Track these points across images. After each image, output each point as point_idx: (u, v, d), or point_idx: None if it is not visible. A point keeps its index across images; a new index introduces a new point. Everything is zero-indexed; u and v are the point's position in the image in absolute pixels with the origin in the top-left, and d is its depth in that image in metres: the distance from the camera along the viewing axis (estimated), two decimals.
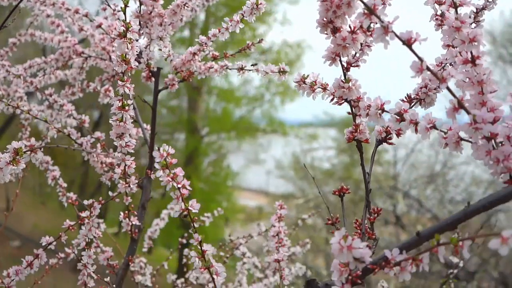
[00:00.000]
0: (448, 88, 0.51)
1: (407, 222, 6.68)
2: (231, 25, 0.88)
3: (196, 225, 0.64)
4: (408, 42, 0.51)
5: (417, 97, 0.68)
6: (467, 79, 0.54)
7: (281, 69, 0.83)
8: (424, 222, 6.30)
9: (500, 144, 0.51)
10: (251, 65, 0.95)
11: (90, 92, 1.23)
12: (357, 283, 0.55)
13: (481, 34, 0.53)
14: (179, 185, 0.62)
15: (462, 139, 0.54)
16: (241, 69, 0.95)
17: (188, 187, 0.62)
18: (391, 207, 6.20)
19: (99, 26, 1.05)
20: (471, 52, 0.53)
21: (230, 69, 0.97)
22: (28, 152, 0.66)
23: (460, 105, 0.51)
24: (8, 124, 6.73)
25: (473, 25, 0.72)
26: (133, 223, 0.97)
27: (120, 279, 0.97)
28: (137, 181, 0.90)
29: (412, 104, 0.69)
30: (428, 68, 0.50)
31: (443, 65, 0.69)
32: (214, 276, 0.64)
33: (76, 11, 1.09)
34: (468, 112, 0.51)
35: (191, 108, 11.26)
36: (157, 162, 0.61)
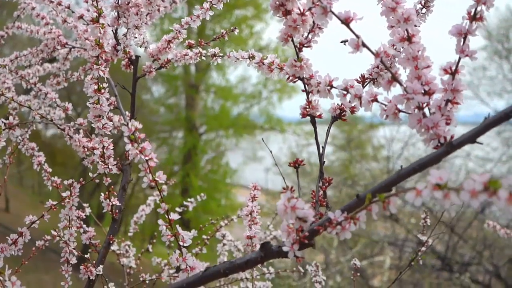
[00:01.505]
0: (383, 63, 0.56)
1: (402, 216, 6.74)
2: (201, 12, 0.94)
3: (163, 194, 0.69)
4: (346, 21, 0.56)
5: (370, 76, 0.73)
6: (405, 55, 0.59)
7: (251, 55, 0.88)
8: (419, 216, 6.35)
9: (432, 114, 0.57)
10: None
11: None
12: (305, 243, 0.60)
13: (415, 14, 0.58)
14: (147, 158, 0.67)
15: (400, 110, 0.59)
16: (214, 55, 1.00)
17: (156, 160, 0.67)
18: None
19: (81, 17, 1.10)
20: (407, 30, 0.58)
21: (204, 56, 1.02)
22: (7, 130, 0.71)
23: (394, 78, 0.56)
24: None
25: (424, 10, 0.77)
26: (114, 203, 1.02)
27: (102, 256, 1.02)
28: (115, 163, 0.95)
29: (366, 83, 0.74)
30: (363, 44, 0.55)
31: (394, 46, 0.74)
32: (181, 243, 0.69)
33: (59, 3, 1.13)
34: (401, 84, 0.56)
35: (189, 106, 11.30)
36: (126, 136, 0.66)
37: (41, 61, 1.24)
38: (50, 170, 1.17)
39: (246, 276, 1.22)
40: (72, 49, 1.24)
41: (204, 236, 1.35)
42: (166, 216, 0.69)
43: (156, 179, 0.68)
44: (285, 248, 0.60)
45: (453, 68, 0.57)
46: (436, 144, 0.55)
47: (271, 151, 0.90)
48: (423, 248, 1.08)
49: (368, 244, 6.31)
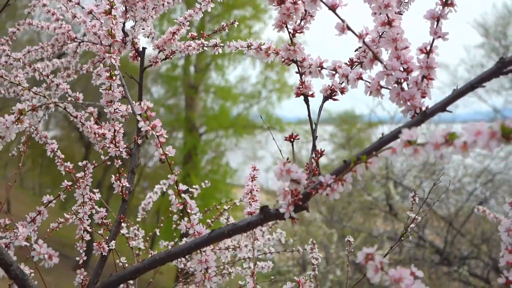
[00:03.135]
0: (365, 44, 0.64)
1: (401, 211, 6.82)
2: (204, 5, 1.02)
3: (172, 167, 0.77)
4: (333, 7, 0.63)
5: (358, 60, 0.81)
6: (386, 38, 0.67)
7: (249, 44, 0.95)
8: (416, 210, 6.43)
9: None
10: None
11: (90, 93, 1.36)
12: (299, 205, 0.67)
13: (394, 1, 0.65)
14: (158, 134, 0.74)
15: (381, 86, 0.67)
16: (215, 46, 1.07)
17: (165, 136, 0.75)
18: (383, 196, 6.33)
19: (90, 12, 1.18)
20: (387, 16, 0.66)
21: (206, 47, 1.09)
22: (31, 111, 0.79)
23: (375, 57, 0.64)
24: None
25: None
26: (124, 185, 1.10)
27: (113, 234, 1.10)
28: (125, 146, 1.03)
29: (354, 66, 0.81)
30: (348, 28, 0.63)
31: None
32: (189, 210, 0.77)
33: (69, 0, 1.21)
34: (381, 62, 0.64)
35: (189, 107, 11.37)
36: (138, 115, 0.73)
37: (51, 55, 1.32)
38: (63, 156, 1.25)
39: (248, 256, 1.29)
40: (81, 43, 1.31)
41: (208, 220, 1.43)
42: (176, 187, 0.77)
43: (166, 152, 0.76)
44: (281, 210, 0.67)
45: (428, 48, 0.65)
46: (412, 114, 0.63)
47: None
48: (412, 225, 1.16)
49: (368, 239, 6.38)
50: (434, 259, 6.03)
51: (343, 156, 10.06)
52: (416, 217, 1.17)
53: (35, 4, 1.39)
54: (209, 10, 1.02)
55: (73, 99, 1.21)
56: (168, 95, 11.67)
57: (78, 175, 1.01)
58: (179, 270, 1.51)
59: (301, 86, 0.75)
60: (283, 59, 0.76)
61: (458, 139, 0.44)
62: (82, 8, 1.20)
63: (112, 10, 0.82)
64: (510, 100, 9.00)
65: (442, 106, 0.60)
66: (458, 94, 0.59)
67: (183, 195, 0.77)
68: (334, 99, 0.80)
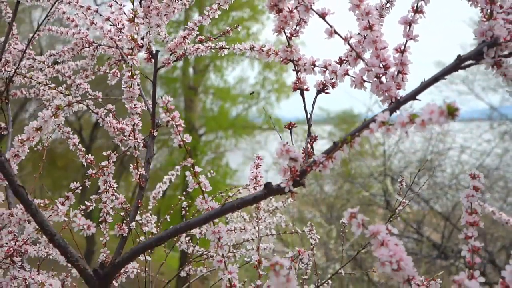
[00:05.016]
0: (349, 45, 0.78)
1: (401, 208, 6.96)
2: (211, 12, 1.15)
3: (189, 151, 0.90)
4: (322, 15, 0.77)
5: (346, 59, 0.94)
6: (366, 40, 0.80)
7: (251, 46, 1.09)
8: (411, 205, 6.57)
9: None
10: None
11: (91, 97, 1.48)
12: (297, 181, 0.80)
13: (374, 9, 0.79)
14: (177, 123, 0.88)
15: (364, 80, 0.81)
16: (221, 48, 1.21)
17: (183, 125, 0.88)
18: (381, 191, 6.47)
19: (107, 19, 1.31)
20: (368, 21, 0.80)
21: (213, 49, 1.23)
22: (67, 107, 0.92)
23: (358, 56, 0.77)
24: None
25: (388, 4, 0.98)
26: (141, 173, 1.23)
27: (132, 217, 1.23)
28: (143, 138, 1.16)
29: (344, 63, 0.95)
30: (335, 32, 0.76)
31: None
32: (203, 189, 0.90)
33: (88, 8, 1.34)
34: (363, 60, 0.77)
35: (188, 108, 11.49)
36: (161, 107, 0.87)
37: (71, 58, 1.45)
38: (84, 149, 1.38)
39: (251, 237, 1.42)
40: (98, 47, 1.45)
41: None
42: (192, 169, 0.91)
43: (184, 139, 0.89)
44: (282, 185, 0.80)
45: (402, 48, 0.78)
46: (389, 103, 0.76)
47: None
48: (400, 207, 1.29)
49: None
50: (432, 254, 6.17)
51: (342, 156, 10.19)
52: (404, 200, 1.30)
53: (54, 11, 1.52)
54: (216, 17, 1.15)
55: (93, 97, 1.34)
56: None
57: (103, 163, 1.14)
58: (187, 254, 1.65)
59: (297, 82, 0.89)
60: (281, 59, 0.89)
61: (418, 118, 0.57)
62: (100, 15, 1.34)
63: (135, 18, 0.95)
64: (507, 98, 9.14)
65: (412, 96, 0.73)
66: (424, 86, 0.72)
67: (198, 176, 0.90)
68: (326, 93, 0.94)
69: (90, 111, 1.26)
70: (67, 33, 1.48)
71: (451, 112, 0.54)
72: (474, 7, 0.75)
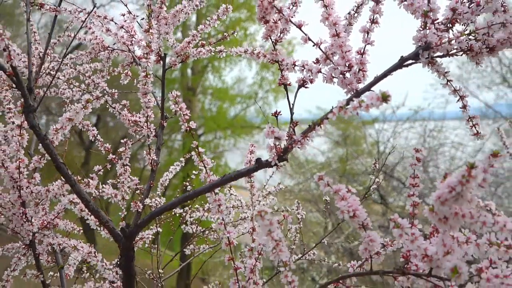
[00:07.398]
0: (320, 49, 0.99)
1: (393, 200, 7.20)
2: (212, 22, 1.37)
3: (196, 137, 1.12)
4: (299, 26, 0.99)
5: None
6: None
7: (246, 50, 1.30)
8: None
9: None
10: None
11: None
12: (281, 156, 1.02)
13: (341, 19, 1.00)
14: (184, 113, 1.09)
15: (333, 76, 1.02)
16: (221, 51, 1.43)
17: (188, 114, 1.10)
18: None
19: (121, 27, 1.53)
20: (335, 30, 1.01)
21: (213, 52, 1.45)
22: (95, 100, 1.13)
23: (327, 57, 0.99)
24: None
25: (355, 14, 1.20)
26: (153, 158, 1.44)
27: (145, 196, 1.45)
28: (155, 127, 1.38)
29: (320, 63, 1.16)
30: (309, 39, 0.98)
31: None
32: (206, 165, 1.12)
33: (105, 17, 1.56)
34: (331, 61, 0.99)
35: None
36: (170, 100, 1.08)
37: (90, 60, 1.67)
38: (102, 140, 1.59)
39: (249, 216, 1.64)
40: (113, 51, 1.66)
41: None
42: (197, 150, 1.12)
43: (190, 125, 1.11)
44: (269, 159, 1.02)
45: (362, 51, 1.00)
46: (352, 93, 0.98)
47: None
48: (374, 186, 1.50)
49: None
50: None
51: (340, 154, 10.44)
52: (377, 180, 1.51)
53: (72, 20, 1.74)
54: (216, 25, 1.37)
55: (110, 94, 1.56)
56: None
57: (120, 149, 1.35)
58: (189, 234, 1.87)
59: (281, 78, 1.10)
60: (269, 60, 1.11)
61: (364, 102, 0.79)
62: (115, 23, 1.55)
63: (150, 29, 1.16)
64: (501, 95, 9.36)
65: (367, 88, 0.95)
66: (376, 80, 0.94)
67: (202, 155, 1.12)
68: (306, 87, 1.15)
69: (108, 105, 1.48)
70: (85, 39, 1.70)
71: (384, 98, 0.76)
72: (417, 19, 0.97)
